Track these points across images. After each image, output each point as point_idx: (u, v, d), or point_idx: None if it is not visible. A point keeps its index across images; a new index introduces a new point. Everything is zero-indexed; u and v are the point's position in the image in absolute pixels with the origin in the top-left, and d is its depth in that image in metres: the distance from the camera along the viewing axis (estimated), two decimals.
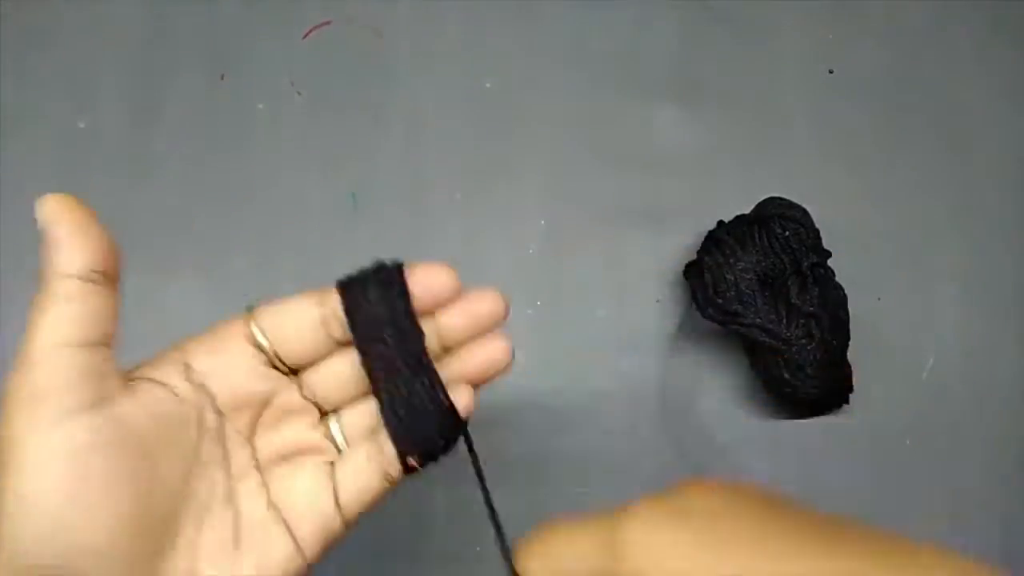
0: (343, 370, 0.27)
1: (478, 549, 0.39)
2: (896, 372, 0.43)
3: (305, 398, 0.27)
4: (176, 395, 0.25)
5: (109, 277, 0.24)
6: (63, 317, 0.23)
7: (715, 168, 0.45)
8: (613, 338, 0.43)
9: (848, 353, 0.41)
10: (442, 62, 0.47)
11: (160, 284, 0.42)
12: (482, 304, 0.27)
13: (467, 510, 0.39)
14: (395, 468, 0.26)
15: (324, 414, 0.27)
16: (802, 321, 0.39)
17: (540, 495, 0.39)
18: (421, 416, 0.26)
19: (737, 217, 0.42)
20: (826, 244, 0.41)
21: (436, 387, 0.26)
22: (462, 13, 0.47)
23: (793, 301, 0.39)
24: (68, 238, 0.24)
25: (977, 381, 0.43)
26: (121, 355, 0.41)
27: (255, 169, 0.44)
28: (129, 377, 0.25)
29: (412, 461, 0.26)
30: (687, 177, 0.45)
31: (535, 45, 0.47)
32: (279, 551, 0.25)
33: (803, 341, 0.38)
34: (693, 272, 0.41)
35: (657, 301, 0.43)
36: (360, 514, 0.26)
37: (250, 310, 0.26)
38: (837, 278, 0.41)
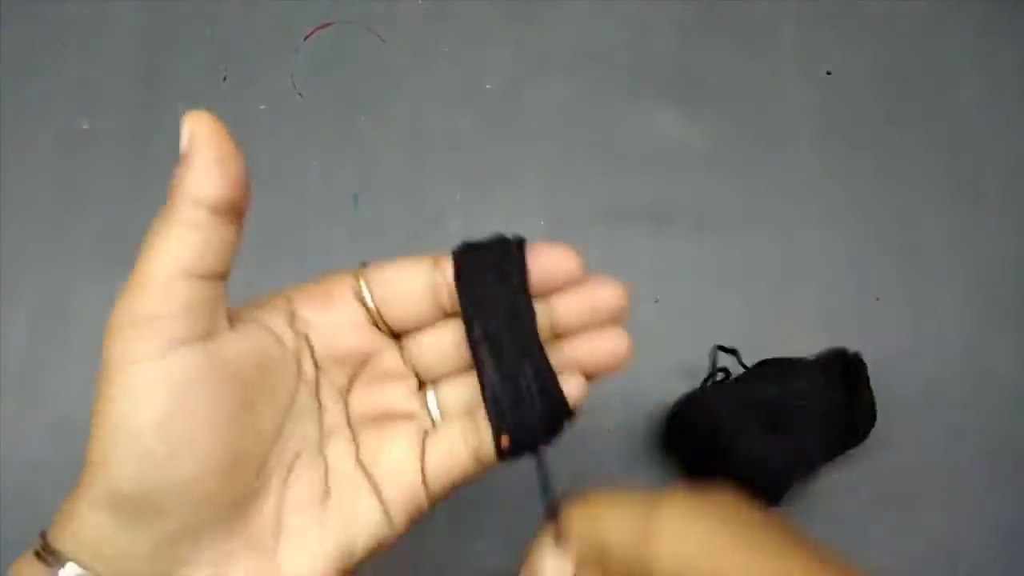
0: (447, 340, 0.25)
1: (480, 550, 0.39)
2: (896, 372, 0.43)
3: (405, 364, 0.26)
4: (280, 341, 0.24)
5: (238, 211, 0.23)
6: (187, 244, 0.22)
7: (715, 168, 0.46)
8: None
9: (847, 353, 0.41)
10: (442, 62, 0.47)
11: None
12: (603, 293, 0.25)
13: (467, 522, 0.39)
14: (488, 451, 0.24)
15: (423, 384, 0.26)
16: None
17: (539, 495, 0.39)
18: (525, 400, 0.24)
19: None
20: (826, 244, 0.41)
21: (545, 372, 0.24)
22: (462, 13, 0.48)
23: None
24: (207, 164, 0.23)
25: (977, 381, 0.43)
26: None
27: (256, 169, 0.44)
28: (236, 316, 0.24)
29: (506, 446, 0.24)
30: (687, 177, 0.45)
31: (535, 45, 0.47)
32: (367, 514, 0.24)
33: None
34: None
35: (656, 301, 0.43)
36: (446, 492, 0.25)
37: (363, 266, 0.25)
38: (837, 278, 0.41)
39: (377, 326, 0.25)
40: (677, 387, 0.41)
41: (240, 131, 0.48)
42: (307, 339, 0.25)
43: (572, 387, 0.25)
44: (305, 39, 0.47)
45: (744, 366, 0.41)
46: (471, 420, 0.25)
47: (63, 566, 0.21)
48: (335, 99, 0.46)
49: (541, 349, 0.24)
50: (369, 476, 0.24)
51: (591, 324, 0.26)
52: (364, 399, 0.25)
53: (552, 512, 0.24)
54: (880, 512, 0.41)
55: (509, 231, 0.44)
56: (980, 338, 0.44)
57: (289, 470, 0.24)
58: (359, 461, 0.24)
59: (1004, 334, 0.44)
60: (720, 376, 0.41)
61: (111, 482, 0.21)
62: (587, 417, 0.41)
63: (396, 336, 0.26)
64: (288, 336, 0.24)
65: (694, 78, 0.47)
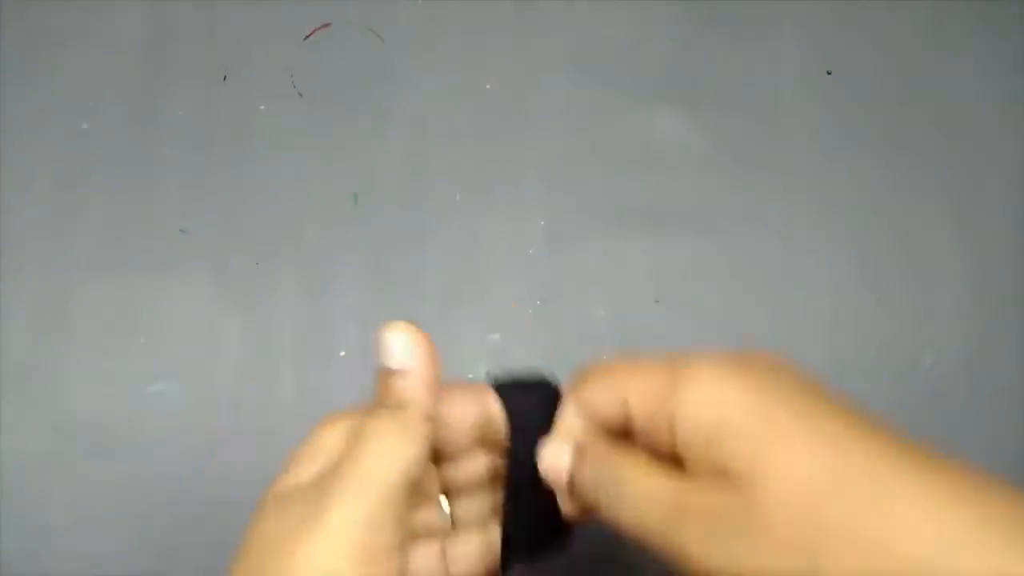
0: (480, 468, 0.27)
1: None
2: (895, 372, 0.43)
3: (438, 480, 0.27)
4: None
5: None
6: (409, 448, 0.23)
7: (715, 168, 0.45)
8: (613, 338, 0.43)
9: (847, 353, 0.41)
10: (442, 62, 0.47)
11: (160, 284, 0.42)
12: None
13: None
14: (495, 564, 0.26)
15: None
16: None
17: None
18: (538, 533, 0.27)
19: None
20: (826, 244, 0.41)
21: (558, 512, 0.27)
22: (462, 13, 0.48)
23: None
24: (420, 376, 0.24)
25: (976, 381, 0.43)
26: (121, 354, 0.41)
27: (256, 169, 0.44)
28: None
29: (514, 564, 0.27)
30: (687, 177, 0.45)
31: (535, 45, 0.47)
32: None
33: None
34: None
35: (657, 301, 0.43)
36: None
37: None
38: (837, 278, 0.41)
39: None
40: None
41: (240, 131, 0.48)
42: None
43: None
44: (305, 39, 0.47)
45: None
46: (484, 532, 0.27)
47: None
48: (335, 99, 0.46)
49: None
50: None
51: None
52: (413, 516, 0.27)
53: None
54: None
55: (509, 231, 0.44)
56: (980, 338, 0.44)
57: None
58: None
59: (1004, 334, 0.44)
60: None
61: None
62: None
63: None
64: None
65: (694, 78, 0.47)
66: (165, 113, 0.45)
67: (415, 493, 0.24)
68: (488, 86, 0.46)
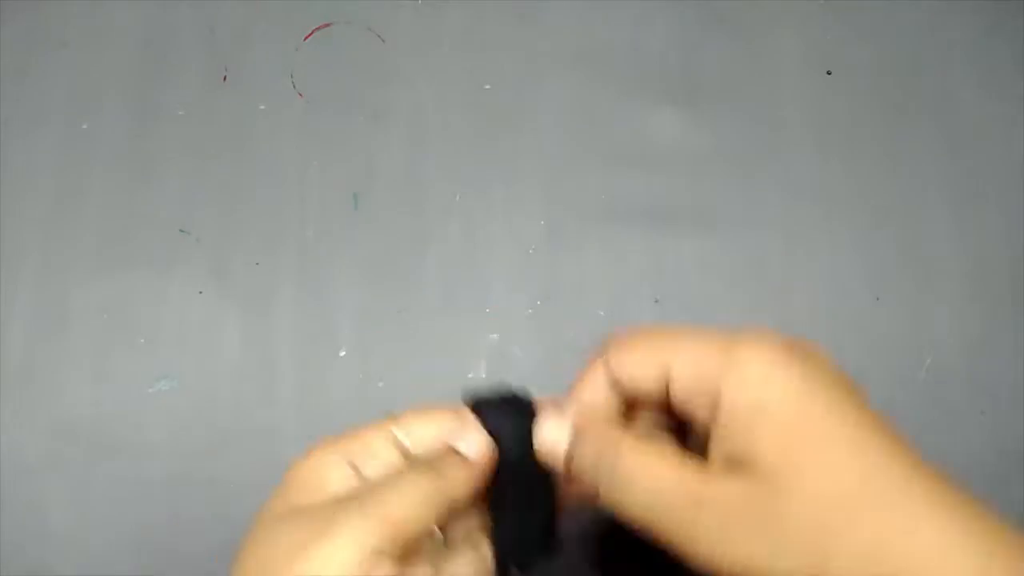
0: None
1: None
2: (895, 372, 0.43)
3: None
4: None
5: None
6: (437, 510, 0.24)
7: (715, 168, 0.45)
8: None
9: (847, 353, 0.41)
10: (442, 62, 0.47)
11: (160, 284, 0.42)
12: None
13: None
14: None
15: None
16: None
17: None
18: (529, 546, 0.27)
19: None
20: (826, 244, 0.41)
21: (548, 521, 0.28)
22: (462, 13, 0.48)
23: None
24: (481, 473, 0.25)
25: (976, 381, 0.43)
26: (122, 354, 0.41)
27: (256, 169, 0.44)
28: None
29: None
30: (687, 176, 0.45)
31: (535, 45, 0.47)
32: None
33: None
34: None
35: (656, 301, 0.43)
36: None
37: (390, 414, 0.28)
38: (837, 278, 0.41)
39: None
40: None
41: (240, 131, 0.48)
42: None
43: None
44: (305, 39, 0.47)
45: None
46: (477, 550, 0.27)
47: None
48: (335, 99, 0.46)
49: (554, 504, 0.27)
50: None
51: None
52: None
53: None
54: None
55: (509, 231, 0.44)
56: (980, 338, 0.44)
57: None
58: None
59: (1005, 334, 0.44)
60: None
61: None
62: None
63: None
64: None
65: (694, 78, 0.47)
66: (165, 113, 0.45)
67: (420, 537, 0.24)
68: (488, 86, 0.46)
